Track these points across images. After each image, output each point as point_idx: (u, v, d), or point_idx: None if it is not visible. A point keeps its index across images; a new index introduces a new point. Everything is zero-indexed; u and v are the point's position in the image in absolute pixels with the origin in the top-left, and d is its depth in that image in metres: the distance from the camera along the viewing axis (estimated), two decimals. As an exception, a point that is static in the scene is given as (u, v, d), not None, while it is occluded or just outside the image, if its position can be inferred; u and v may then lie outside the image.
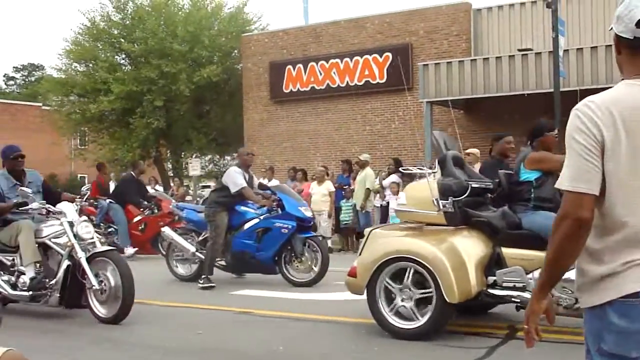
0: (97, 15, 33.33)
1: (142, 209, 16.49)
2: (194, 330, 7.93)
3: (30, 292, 8.54)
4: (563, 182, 2.68)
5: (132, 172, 17.27)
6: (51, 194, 9.42)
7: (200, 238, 12.47)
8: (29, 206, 8.82)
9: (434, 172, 7.77)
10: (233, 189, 11.49)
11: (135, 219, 16.45)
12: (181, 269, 12.70)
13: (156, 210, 16.51)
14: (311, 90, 26.78)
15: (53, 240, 8.72)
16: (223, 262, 12.02)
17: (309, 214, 11.93)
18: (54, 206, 8.93)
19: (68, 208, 8.88)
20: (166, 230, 12.93)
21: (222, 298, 10.40)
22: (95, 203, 16.83)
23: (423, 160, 21.63)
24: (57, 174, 55.25)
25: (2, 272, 9.02)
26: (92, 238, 8.64)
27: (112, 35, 33.27)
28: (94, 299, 8.43)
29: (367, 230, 8.11)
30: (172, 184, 27.72)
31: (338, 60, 26.11)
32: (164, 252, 13.40)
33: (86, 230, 8.59)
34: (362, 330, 7.88)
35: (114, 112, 32.58)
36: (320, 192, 17.85)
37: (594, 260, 2.69)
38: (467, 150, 16.31)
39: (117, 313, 8.26)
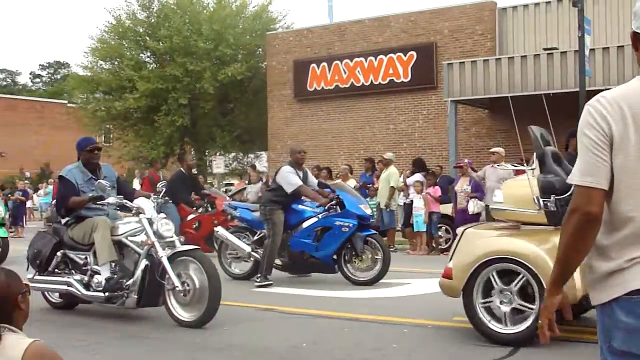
0: (122, 13, 33.66)
1: (194, 208, 16.18)
2: (219, 327, 7.95)
3: (107, 293, 8.15)
4: (573, 177, 2.68)
5: (181, 169, 16.69)
6: (125, 191, 8.96)
7: (256, 237, 12.24)
8: (106, 200, 8.39)
9: (532, 169, 7.43)
10: (289, 190, 11.25)
11: (189, 217, 16.19)
12: (235, 268, 12.48)
13: (210, 208, 16.24)
14: (335, 89, 26.80)
15: (130, 238, 8.33)
16: (279, 262, 11.76)
17: (368, 211, 11.74)
18: None
19: (146, 204, 8.42)
20: (220, 231, 12.49)
21: (247, 295, 10.43)
22: None
23: (447, 159, 21.61)
24: (82, 170, 55.66)
25: (74, 271, 8.68)
26: (172, 236, 8.19)
27: (137, 33, 33.49)
28: (173, 301, 8.00)
29: (459, 230, 7.66)
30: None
31: (362, 58, 26.12)
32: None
33: (166, 228, 8.16)
34: (386, 328, 7.90)
35: (139, 110, 32.81)
36: (344, 191, 17.81)
37: (601, 257, 2.68)
38: (492, 150, 16.32)
39: (202, 316, 7.79)
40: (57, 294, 9.14)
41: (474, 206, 15.75)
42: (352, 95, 26.49)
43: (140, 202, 8.46)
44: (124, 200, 8.47)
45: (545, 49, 20.92)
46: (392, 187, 17.64)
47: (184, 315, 7.96)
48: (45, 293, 9.18)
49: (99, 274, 8.28)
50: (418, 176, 17.55)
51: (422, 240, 16.96)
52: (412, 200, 17.08)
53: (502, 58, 20.77)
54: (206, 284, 7.75)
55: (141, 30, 33.54)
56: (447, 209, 16.86)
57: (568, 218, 2.67)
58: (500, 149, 16.31)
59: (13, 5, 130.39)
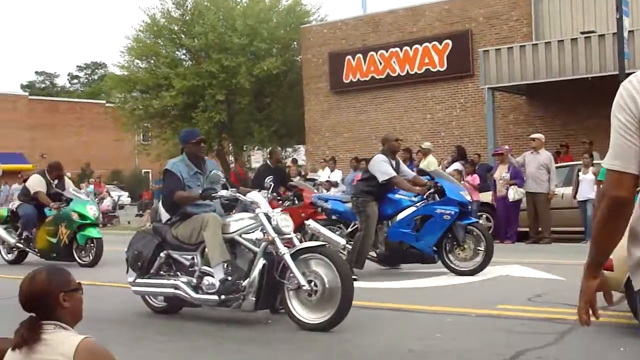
0: (157, 12, 33.86)
1: (280, 201, 15.74)
2: (263, 320, 7.94)
3: (222, 296, 7.50)
4: (605, 161, 2.63)
5: (267, 162, 16.27)
6: (228, 186, 8.29)
7: (349, 230, 11.84)
8: (219, 193, 7.87)
9: None
10: (381, 179, 10.86)
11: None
12: None
13: (297, 201, 15.92)
14: (371, 80, 26.76)
15: (243, 236, 7.69)
16: (374, 254, 11.41)
17: (469, 198, 11.43)
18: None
19: (260, 199, 7.79)
20: (312, 224, 11.49)
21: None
22: None
23: (485, 147, 21.45)
24: (122, 169, 56.35)
25: (179, 273, 8.07)
26: (290, 233, 7.55)
27: (172, 31, 33.68)
28: (294, 302, 7.35)
29: None
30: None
31: (397, 49, 26.03)
32: None
33: (285, 223, 7.50)
34: (429, 317, 7.89)
35: (176, 107, 32.99)
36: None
37: (637, 242, 2.63)
38: (532, 136, 16.22)
39: (332, 318, 7.08)
40: (160, 297, 8.58)
41: (514, 193, 15.67)
42: (388, 86, 26.43)
43: (254, 195, 7.88)
44: (238, 194, 7.91)
45: (582, 33, 20.68)
46: (431, 176, 17.54)
47: (307, 317, 7.28)
48: (146, 297, 8.66)
49: (209, 275, 7.73)
50: (457, 165, 17.47)
51: (462, 229, 16.85)
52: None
53: (539, 43, 20.59)
54: (338, 283, 7.07)
55: (176, 28, 33.73)
56: (486, 197, 16.77)
57: (599, 202, 2.64)
58: (540, 135, 16.21)
59: (49, 8, 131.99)
